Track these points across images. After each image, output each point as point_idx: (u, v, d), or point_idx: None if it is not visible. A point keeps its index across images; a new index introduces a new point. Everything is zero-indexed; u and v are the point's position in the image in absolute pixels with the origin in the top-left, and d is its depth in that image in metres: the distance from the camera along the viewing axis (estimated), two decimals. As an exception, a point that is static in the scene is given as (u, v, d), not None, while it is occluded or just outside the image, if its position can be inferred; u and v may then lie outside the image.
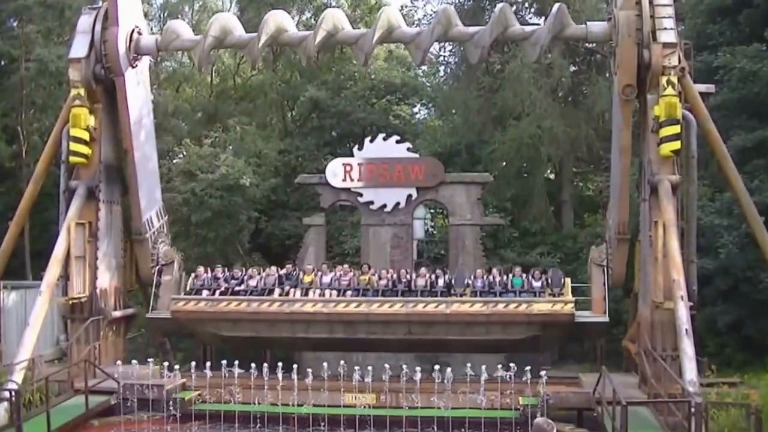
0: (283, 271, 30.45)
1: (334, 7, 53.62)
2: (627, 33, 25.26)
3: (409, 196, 36.32)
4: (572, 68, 46.06)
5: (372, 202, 36.51)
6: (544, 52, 38.86)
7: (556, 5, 27.52)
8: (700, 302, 27.00)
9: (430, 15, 52.03)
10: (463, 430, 24.41)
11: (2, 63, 52.66)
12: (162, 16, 57.89)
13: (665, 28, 25.17)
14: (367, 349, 31.38)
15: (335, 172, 36.39)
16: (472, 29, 27.87)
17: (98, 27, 27.86)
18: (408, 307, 28.09)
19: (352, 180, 36.27)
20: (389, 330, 28.47)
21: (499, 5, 27.71)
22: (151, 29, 43.99)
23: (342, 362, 25.45)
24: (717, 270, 31.31)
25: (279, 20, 28.25)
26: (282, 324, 28.86)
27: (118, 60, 28.00)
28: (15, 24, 53.42)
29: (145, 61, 30.04)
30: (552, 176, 50.08)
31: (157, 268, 31.18)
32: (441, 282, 29.48)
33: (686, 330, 21.87)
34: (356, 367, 25.50)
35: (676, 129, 24.52)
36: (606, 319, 28.44)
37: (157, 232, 31.24)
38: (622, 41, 25.33)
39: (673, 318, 22.89)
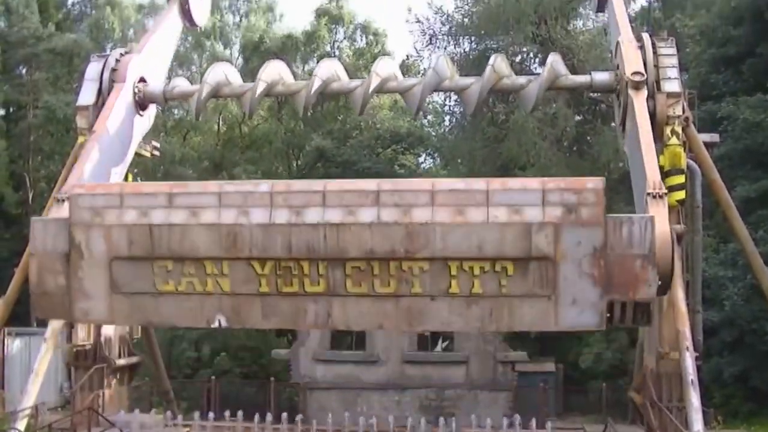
0: None
1: (337, 56, 54.07)
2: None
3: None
4: (577, 118, 46.22)
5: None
6: (547, 101, 39.03)
7: (551, 56, 27.62)
8: (705, 353, 26.88)
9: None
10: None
11: (10, 110, 53.10)
12: (171, 65, 58.35)
13: (669, 78, 25.19)
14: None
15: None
16: (466, 80, 27.85)
17: (106, 75, 27.97)
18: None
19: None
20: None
21: (494, 56, 27.72)
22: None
23: (346, 413, 25.35)
24: (722, 321, 31.22)
25: (276, 70, 28.26)
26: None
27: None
28: (24, 71, 53.91)
29: (152, 109, 30.14)
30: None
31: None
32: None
33: (692, 380, 21.71)
34: (361, 418, 25.38)
35: (680, 179, 24.47)
36: None
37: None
38: None
39: (678, 368, 22.72)
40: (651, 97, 24.93)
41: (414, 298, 19.53)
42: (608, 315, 19.44)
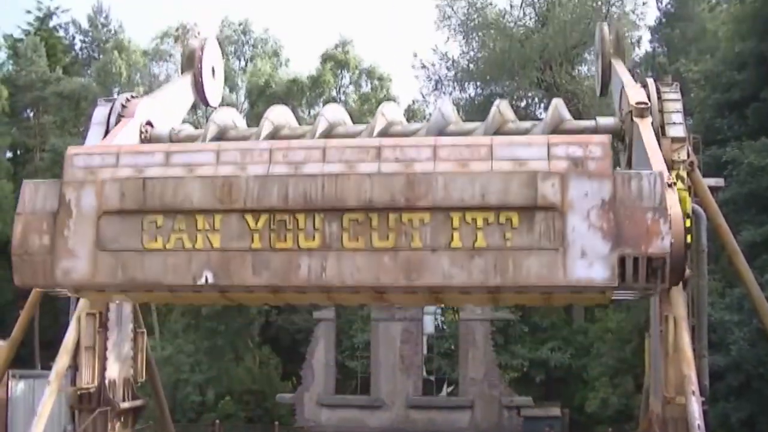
0: None
1: (343, 101, 54.37)
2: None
3: (419, 290, 36.21)
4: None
5: (382, 297, 36.44)
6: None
7: (554, 100, 27.73)
8: (712, 397, 26.74)
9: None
10: None
11: (18, 152, 53.37)
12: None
13: (674, 123, 25.20)
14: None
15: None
16: (469, 125, 27.86)
17: (113, 119, 28.12)
18: None
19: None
20: None
21: (497, 101, 27.78)
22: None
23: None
24: (728, 366, 31.09)
25: (279, 115, 28.38)
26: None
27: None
28: (31, 114, 54.28)
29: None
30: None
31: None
32: None
33: (698, 425, 21.54)
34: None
35: (686, 223, 24.53)
36: None
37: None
38: None
39: (684, 413, 22.55)
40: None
41: (413, 252, 18.83)
42: (620, 271, 18.49)
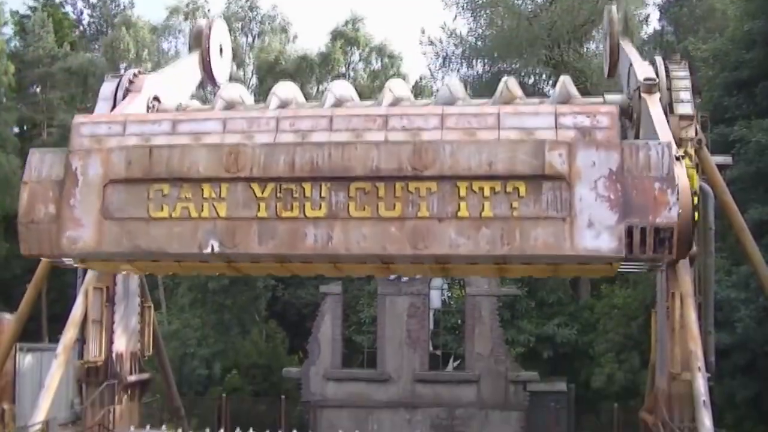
0: None
1: (352, 78, 54.27)
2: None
3: (426, 265, 36.28)
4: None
5: (389, 271, 36.51)
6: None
7: (562, 77, 27.69)
8: (718, 375, 26.80)
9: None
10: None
11: (25, 128, 53.37)
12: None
13: (682, 101, 25.18)
14: None
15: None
16: (477, 102, 27.93)
17: (120, 94, 28.10)
18: None
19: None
20: None
21: (504, 78, 27.73)
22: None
23: None
24: (734, 345, 31.11)
25: (287, 91, 28.34)
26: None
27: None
28: (38, 90, 54.25)
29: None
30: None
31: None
32: None
33: (704, 401, 21.63)
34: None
35: (693, 201, 24.50)
36: None
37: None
38: None
39: (690, 389, 22.64)
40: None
41: (420, 221, 18.86)
42: (628, 241, 18.61)
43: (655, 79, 24.50)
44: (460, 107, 20.47)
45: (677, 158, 20.72)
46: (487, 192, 18.61)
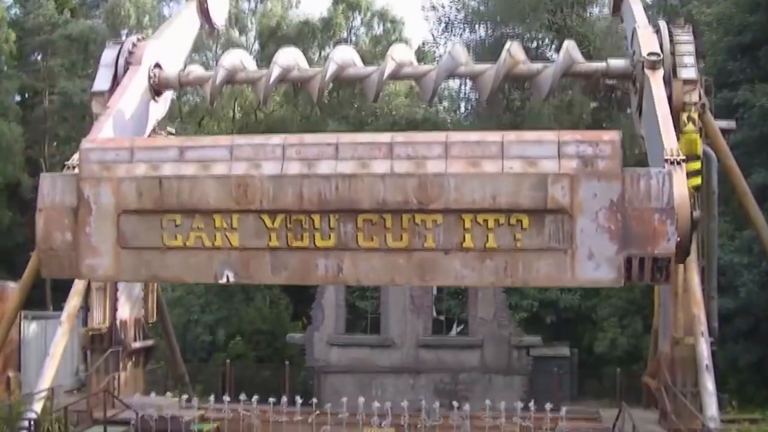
0: None
1: (354, 43, 54.04)
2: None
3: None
4: (593, 105, 46.12)
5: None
6: (562, 89, 38.80)
7: (566, 42, 27.55)
8: (720, 339, 26.86)
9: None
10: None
11: (26, 96, 53.22)
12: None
13: (686, 65, 25.13)
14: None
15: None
16: (480, 67, 27.80)
17: (121, 61, 28.01)
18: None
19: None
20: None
21: (509, 43, 27.65)
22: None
23: (361, 397, 25.40)
24: (737, 309, 31.11)
25: (290, 57, 28.22)
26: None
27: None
28: (39, 58, 54.04)
29: (167, 95, 30.14)
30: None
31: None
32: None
33: (707, 366, 21.74)
34: (375, 402, 25.42)
35: (696, 165, 24.41)
36: None
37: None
38: None
39: (693, 353, 22.77)
40: (667, 83, 24.89)
41: (426, 252, 19.39)
42: (626, 271, 19.22)
43: (659, 55, 24.48)
44: (464, 134, 20.73)
45: (677, 162, 21.02)
46: (491, 224, 19.13)
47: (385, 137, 20.14)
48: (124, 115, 26.30)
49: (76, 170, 22.13)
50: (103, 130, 24.82)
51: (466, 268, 19.46)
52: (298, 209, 19.60)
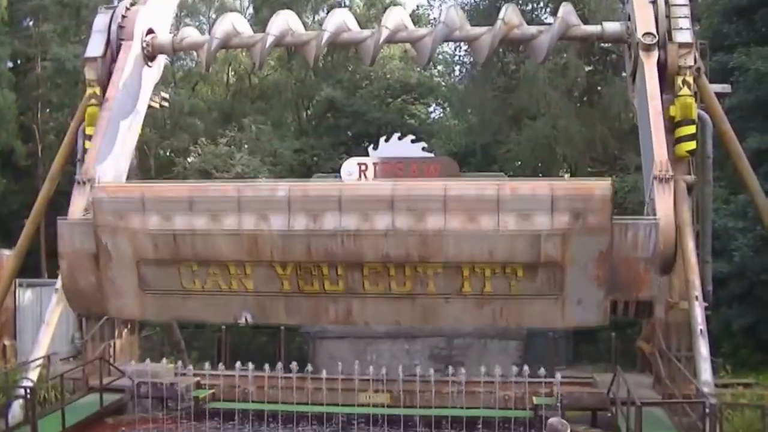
0: None
1: (348, 6, 53.69)
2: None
3: (424, 195, 36.17)
4: (588, 68, 45.85)
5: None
6: (557, 52, 38.53)
7: (563, 5, 27.38)
8: (714, 304, 26.89)
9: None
10: (476, 429, 24.44)
11: (18, 62, 52.85)
12: (179, 15, 57.95)
13: (681, 28, 25.00)
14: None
15: (350, 171, 36.15)
16: (477, 30, 27.65)
17: (114, 27, 27.81)
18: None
19: (367, 179, 36.14)
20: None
21: (505, 6, 27.52)
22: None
23: (356, 362, 25.50)
24: (731, 273, 31.08)
25: (286, 21, 28.04)
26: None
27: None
28: (31, 23, 53.61)
29: (161, 59, 29.95)
30: (567, 176, 49.81)
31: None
32: None
33: (701, 330, 21.79)
34: (370, 367, 25.51)
35: (691, 129, 24.36)
36: None
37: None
38: None
39: (687, 318, 22.81)
40: (662, 47, 24.77)
41: (428, 298, 20.87)
42: (612, 312, 20.72)
43: (654, 36, 24.44)
44: (461, 187, 21.35)
45: (662, 180, 21.92)
46: (488, 273, 20.52)
47: (386, 190, 20.98)
48: (121, 92, 27.00)
49: (87, 187, 23.84)
50: (104, 120, 26.08)
51: (465, 313, 21.24)
52: (307, 260, 20.83)
